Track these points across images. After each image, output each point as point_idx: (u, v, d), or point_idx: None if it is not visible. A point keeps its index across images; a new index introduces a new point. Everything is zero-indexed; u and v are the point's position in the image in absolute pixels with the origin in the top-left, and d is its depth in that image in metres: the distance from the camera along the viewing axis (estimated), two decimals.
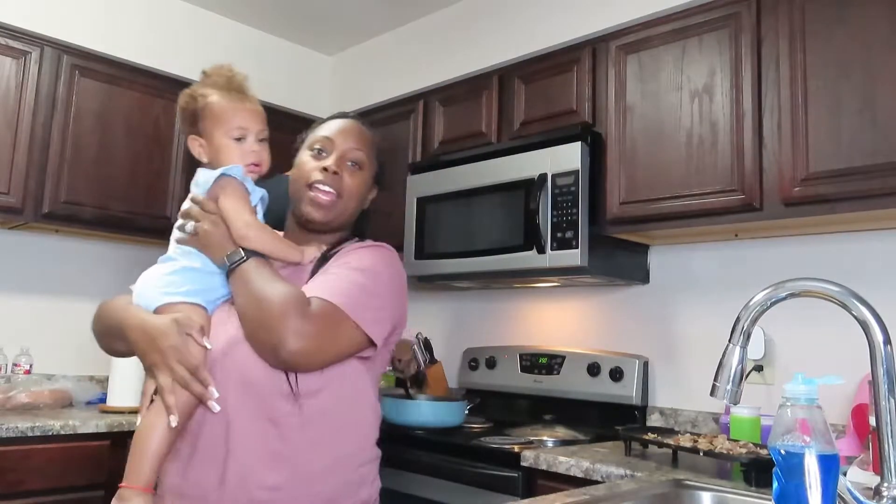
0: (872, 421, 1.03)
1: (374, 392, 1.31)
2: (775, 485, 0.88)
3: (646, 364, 2.38)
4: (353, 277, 1.22)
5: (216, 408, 1.15)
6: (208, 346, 1.17)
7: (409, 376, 2.58)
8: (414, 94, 2.91)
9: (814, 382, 0.89)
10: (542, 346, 2.67)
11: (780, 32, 1.90)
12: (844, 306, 0.99)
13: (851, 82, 1.76)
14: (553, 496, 1.28)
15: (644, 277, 2.45)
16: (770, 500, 0.91)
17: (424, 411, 2.30)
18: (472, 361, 2.83)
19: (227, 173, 1.26)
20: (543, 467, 1.82)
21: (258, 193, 1.31)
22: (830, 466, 0.85)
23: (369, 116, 3.08)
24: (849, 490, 0.94)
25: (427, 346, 2.64)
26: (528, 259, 2.24)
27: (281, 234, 1.38)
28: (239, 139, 1.28)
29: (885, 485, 0.96)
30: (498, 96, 2.59)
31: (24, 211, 2.44)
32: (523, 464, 1.88)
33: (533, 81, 2.49)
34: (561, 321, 2.70)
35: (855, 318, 0.99)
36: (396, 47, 3.08)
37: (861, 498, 0.94)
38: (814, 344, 2.02)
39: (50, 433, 2.12)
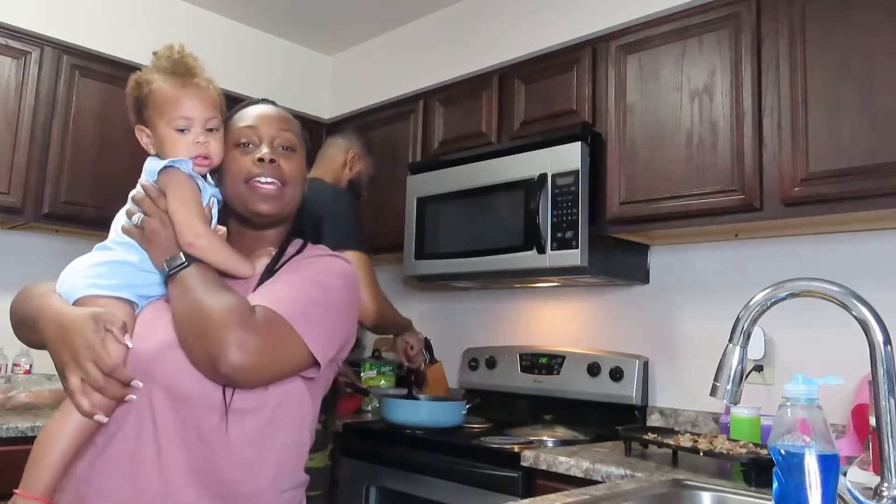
0: (872, 421, 1.03)
1: (314, 414, 1.19)
2: (775, 485, 0.88)
3: (646, 364, 2.38)
4: (306, 289, 1.13)
5: (133, 398, 1.05)
6: (129, 345, 1.07)
7: (414, 371, 2.56)
8: (414, 94, 2.91)
9: (814, 382, 0.89)
10: (542, 346, 2.67)
11: (780, 32, 1.90)
12: (844, 306, 0.99)
13: (851, 82, 1.76)
14: (553, 496, 1.28)
15: (644, 277, 2.45)
16: (770, 500, 0.91)
17: (424, 411, 2.30)
18: (472, 361, 2.83)
19: (173, 165, 1.15)
20: (543, 467, 1.82)
21: (209, 192, 1.20)
22: (830, 466, 0.85)
23: (369, 116, 3.09)
24: (849, 490, 0.94)
25: (427, 346, 2.64)
26: (528, 259, 2.24)
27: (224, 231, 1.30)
28: (182, 130, 1.17)
29: (885, 485, 0.96)
30: (498, 96, 2.59)
31: (24, 211, 2.44)
32: (523, 464, 1.88)
33: (533, 81, 2.49)
34: (561, 321, 2.70)
35: (855, 318, 0.99)
36: (396, 47, 3.08)
37: (861, 498, 0.94)
38: (814, 344, 2.02)
39: None
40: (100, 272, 1.12)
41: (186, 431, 1.05)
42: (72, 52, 2.57)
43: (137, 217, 1.12)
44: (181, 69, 1.19)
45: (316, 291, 1.13)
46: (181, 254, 1.10)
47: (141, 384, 1.04)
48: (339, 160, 2.43)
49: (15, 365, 2.61)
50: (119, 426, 1.06)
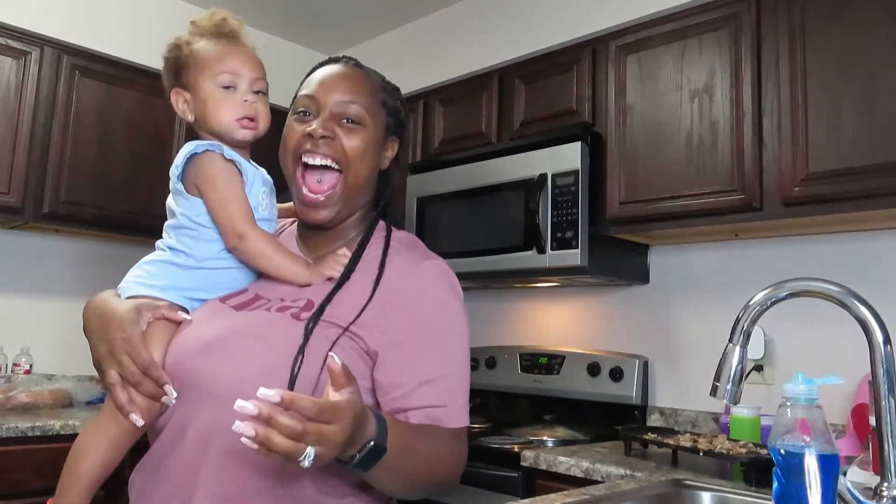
0: (872, 421, 1.03)
1: None
2: (775, 485, 0.88)
3: (646, 364, 2.38)
4: (457, 360, 1.01)
5: (172, 400, 0.95)
6: (187, 317, 1.00)
7: None
8: (414, 94, 2.91)
9: (814, 382, 0.89)
10: (542, 346, 2.67)
11: (780, 32, 1.90)
12: (844, 306, 0.99)
13: (851, 82, 1.76)
14: (553, 496, 1.28)
15: (644, 277, 2.45)
16: (770, 500, 0.91)
17: None
18: (472, 361, 2.83)
19: (210, 149, 1.02)
20: (543, 467, 1.82)
21: (257, 176, 1.07)
22: (830, 466, 0.85)
23: None
24: (849, 490, 0.94)
25: None
26: (528, 259, 2.24)
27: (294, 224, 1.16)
28: (228, 87, 1.05)
29: (885, 485, 0.96)
30: (498, 96, 2.59)
31: (24, 211, 2.44)
32: (523, 464, 1.88)
33: (533, 81, 2.49)
34: (561, 321, 2.70)
35: (855, 318, 0.99)
36: (396, 47, 3.08)
37: (861, 498, 0.94)
38: (814, 344, 2.02)
39: (50, 433, 2.12)
40: (147, 271, 1.05)
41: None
42: (72, 52, 2.57)
43: (308, 456, 0.75)
44: (226, 30, 1.09)
45: (461, 355, 1.04)
46: (367, 443, 0.83)
47: (175, 393, 0.95)
48: None
49: (15, 365, 2.61)
50: (175, 441, 0.96)
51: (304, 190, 1.04)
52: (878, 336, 0.97)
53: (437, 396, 0.98)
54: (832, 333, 1.93)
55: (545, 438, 2.14)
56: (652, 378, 2.39)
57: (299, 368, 0.90)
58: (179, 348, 0.99)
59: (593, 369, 2.43)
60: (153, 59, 2.77)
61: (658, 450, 1.88)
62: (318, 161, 1.03)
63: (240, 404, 0.73)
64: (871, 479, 1.23)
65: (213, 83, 1.04)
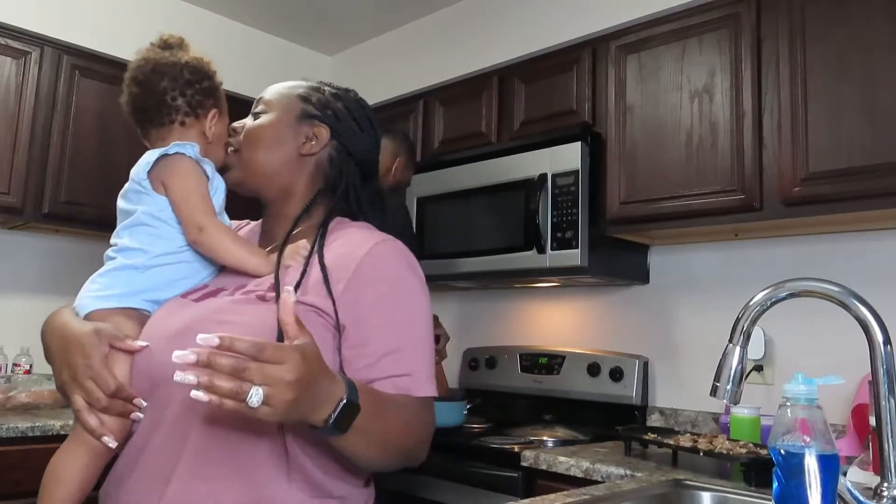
0: (872, 421, 1.03)
1: None
2: (775, 485, 0.88)
3: (646, 364, 2.38)
4: (420, 333, 1.03)
5: (139, 416, 0.97)
6: (143, 344, 0.99)
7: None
8: (414, 94, 2.91)
9: (814, 382, 0.89)
10: (542, 346, 2.67)
11: (780, 32, 1.90)
12: (844, 306, 0.99)
13: (851, 82, 1.76)
14: (553, 496, 1.28)
15: (644, 277, 2.45)
16: (770, 500, 0.91)
17: None
18: (472, 361, 2.83)
19: (180, 151, 1.08)
20: (543, 467, 1.82)
21: (220, 185, 1.14)
22: (830, 466, 0.85)
23: None
24: (849, 490, 0.94)
25: (435, 339, 2.62)
26: (528, 259, 2.24)
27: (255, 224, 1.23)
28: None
29: (885, 485, 0.96)
30: (498, 96, 2.59)
31: (24, 211, 2.44)
32: (523, 464, 1.87)
33: (533, 81, 2.49)
34: (561, 321, 2.70)
35: (855, 318, 0.99)
36: (396, 47, 3.08)
37: (861, 498, 0.94)
38: (814, 344, 2.02)
39: (50, 433, 2.12)
40: (102, 283, 1.06)
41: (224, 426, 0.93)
42: (72, 52, 2.57)
43: (256, 396, 0.76)
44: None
45: (426, 328, 1.05)
46: (339, 402, 0.84)
47: (145, 403, 0.96)
48: (384, 164, 2.24)
49: (15, 365, 2.61)
50: (149, 433, 0.97)
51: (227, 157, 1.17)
52: (878, 336, 0.97)
53: (402, 366, 1.00)
54: (832, 333, 1.93)
55: (545, 438, 2.14)
56: (652, 378, 2.39)
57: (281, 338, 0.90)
58: (152, 344, 1.00)
59: (593, 369, 2.43)
60: None
61: (658, 450, 1.88)
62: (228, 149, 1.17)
63: (177, 354, 0.74)
64: (871, 480, 1.23)
65: (225, 126, 1.17)
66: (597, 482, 1.65)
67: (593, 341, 2.57)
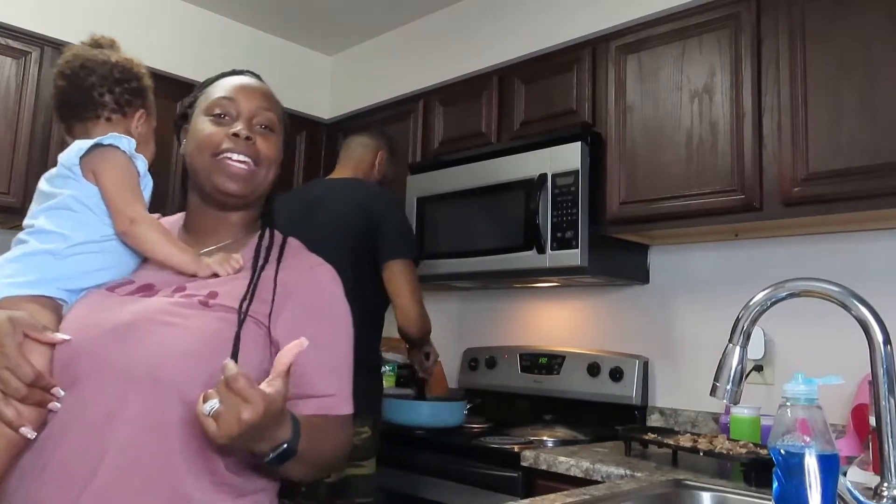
0: (872, 421, 1.03)
1: None
2: (775, 485, 0.88)
3: (646, 364, 2.38)
4: (347, 354, 1.11)
5: (57, 406, 0.94)
6: (66, 338, 0.97)
7: (420, 376, 2.50)
8: (414, 94, 2.91)
9: (814, 382, 0.89)
10: (542, 346, 2.67)
11: (779, 32, 1.90)
12: (844, 306, 0.99)
13: (851, 82, 1.76)
14: (553, 496, 1.28)
15: (644, 277, 2.45)
16: (770, 500, 0.91)
17: (424, 411, 2.30)
18: (472, 361, 2.83)
19: (115, 143, 1.07)
20: (543, 467, 1.82)
21: (149, 181, 1.13)
22: (830, 466, 0.85)
23: (369, 116, 3.09)
24: (849, 490, 0.94)
25: (425, 357, 2.62)
26: (528, 259, 2.24)
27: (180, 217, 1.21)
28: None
29: (885, 485, 0.96)
30: (498, 96, 2.59)
31: (24, 211, 2.40)
32: (523, 464, 1.88)
33: (533, 81, 2.49)
34: (561, 321, 2.70)
35: (855, 318, 0.99)
36: (396, 47, 3.08)
37: (861, 498, 0.94)
38: (814, 344, 2.02)
39: None
40: (14, 269, 1.00)
41: (166, 424, 0.94)
42: None
43: (211, 405, 0.83)
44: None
45: (350, 355, 1.12)
46: (280, 445, 0.90)
47: (63, 392, 0.94)
48: (368, 160, 2.31)
49: None
50: (64, 429, 0.95)
51: (231, 165, 1.10)
52: (878, 336, 0.97)
53: (330, 385, 1.06)
54: (832, 333, 1.93)
55: (545, 438, 2.14)
56: (652, 378, 2.39)
57: (238, 351, 0.98)
58: (79, 337, 0.98)
59: (593, 369, 2.43)
60: (152, 59, 2.77)
61: (658, 450, 1.88)
62: (241, 158, 1.11)
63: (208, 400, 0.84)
64: (871, 480, 1.23)
65: (151, 128, 1.17)
66: (597, 482, 1.65)
67: (593, 341, 2.57)
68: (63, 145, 2.73)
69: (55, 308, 1.01)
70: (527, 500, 1.25)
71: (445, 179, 2.55)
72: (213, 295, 1.03)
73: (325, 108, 3.33)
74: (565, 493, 1.33)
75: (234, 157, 1.10)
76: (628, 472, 1.63)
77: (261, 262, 1.10)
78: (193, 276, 1.07)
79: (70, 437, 0.95)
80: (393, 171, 2.47)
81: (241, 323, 1.00)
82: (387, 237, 2.05)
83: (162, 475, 0.94)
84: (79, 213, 1.05)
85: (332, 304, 1.13)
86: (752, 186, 1.90)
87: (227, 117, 1.13)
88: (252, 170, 1.12)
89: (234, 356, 0.97)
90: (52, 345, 0.97)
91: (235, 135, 1.10)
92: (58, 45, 2.54)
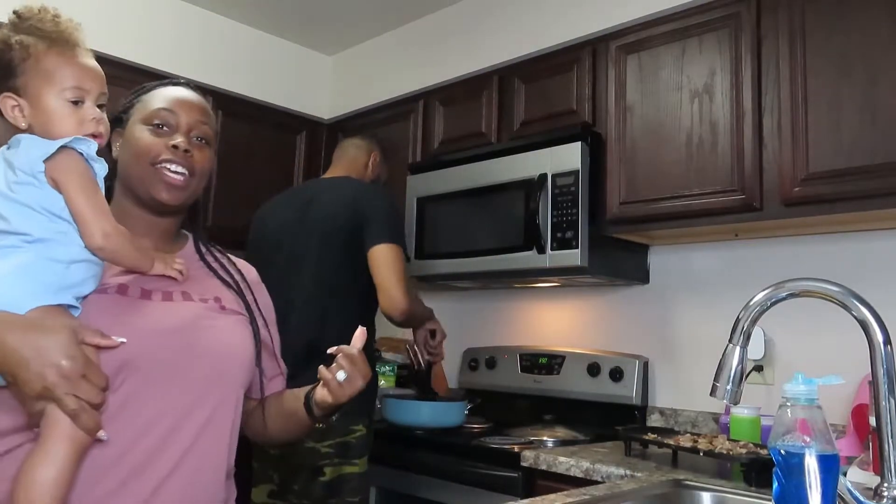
0: (872, 421, 1.03)
1: None
2: (775, 485, 0.88)
3: (646, 364, 2.38)
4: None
5: (105, 437, 0.94)
6: (123, 340, 0.97)
7: (426, 367, 2.45)
8: (414, 94, 2.91)
9: (814, 382, 0.89)
10: (542, 346, 2.67)
11: (780, 32, 1.90)
12: (844, 306, 0.99)
13: (851, 82, 1.76)
14: (553, 496, 1.28)
15: (644, 277, 2.45)
16: (770, 500, 0.91)
17: (426, 411, 2.30)
18: (472, 361, 2.83)
19: (74, 146, 0.98)
20: (543, 467, 1.82)
21: (101, 171, 1.05)
22: (830, 466, 0.85)
23: (369, 116, 3.09)
24: (849, 490, 0.94)
25: (431, 335, 2.62)
26: (528, 259, 2.24)
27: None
28: (76, 102, 1.01)
29: (885, 485, 0.96)
30: (498, 96, 2.59)
31: None
32: (523, 464, 1.88)
33: (533, 81, 2.49)
34: (561, 321, 2.70)
35: (855, 318, 0.99)
36: (396, 47, 3.08)
37: (861, 498, 0.94)
38: (814, 344, 2.02)
39: None
40: (28, 279, 0.95)
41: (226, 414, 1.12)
42: None
43: (342, 374, 1.11)
44: (70, 39, 1.04)
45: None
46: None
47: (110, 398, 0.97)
48: (361, 161, 2.35)
49: None
50: (134, 437, 1.00)
51: (168, 176, 1.15)
52: (878, 336, 0.97)
53: (280, 365, 1.30)
54: (832, 333, 1.93)
55: (545, 438, 2.14)
56: (652, 378, 2.39)
57: (259, 348, 1.19)
58: (133, 340, 1.00)
59: (593, 369, 2.43)
60: (152, 59, 2.79)
61: (658, 450, 1.88)
62: (179, 169, 1.15)
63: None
64: (871, 480, 1.23)
65: (59, 97, 1.00)
66: (597, 482, 1.65)
67: (593, 341, 2.57)
68: None
69: (70, 315, 0.99)
70: (527, 500, 1.25)
71: (445, 179, 2.55)
72: (219, 300, 1.16)
73: (325, 108, 3.33)
74: (565, 493, 1.33)
75: (172, 167, 1.14)
76: (628, 472, 1.63)
77: (220, 266, 1.24)
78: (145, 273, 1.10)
79: (129, 435, 1.00)
80: (386, 173, 2.49)
81: (254, 323, 1.20)
82: (372, 225, 2.04)
83: (214, 469, 1.09)
84: (58, 224, 0.99)
85: (269, 301, 1.33)
86: (752, 186, 1.90)
87: (166, 128, 1.16)
88: (188, 180, 1.16)
89: (258, 353, 1.18)
90: (102, 349, 0.97)
91: (175, 146, 1.15)
92: None
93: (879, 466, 0.97)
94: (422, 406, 2.33)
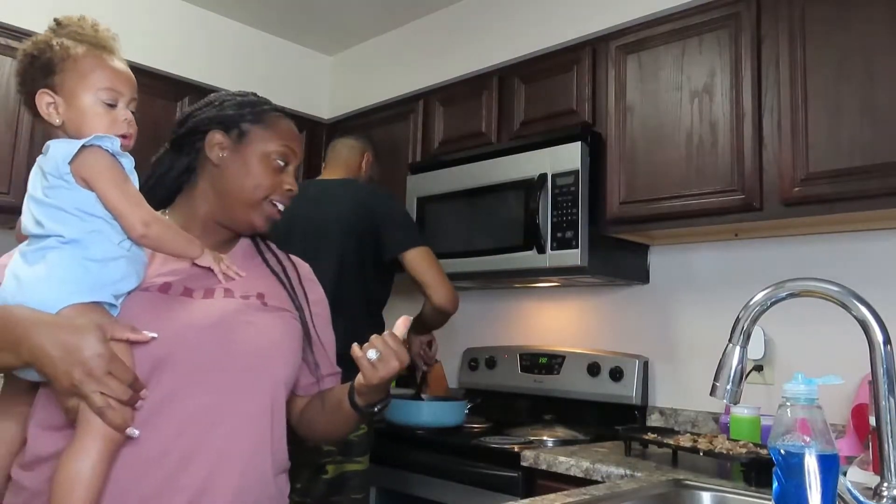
0: (872, 421, 1.03)
1: None
2: (775, 485, 0.88)
3: (646, 364, 2.38)
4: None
5: (141, 405, 0.97)
6: (154, 336, 1.00)
7: (423, 371, 2.49)
8: (414, 94, 2.91)
9: (813, 382, 0.89)
10: (542, 346, 2.67)
11: (780, 32, 1.90)
12: (844, 306, 0.99)
13: (851, 82, 1.76)
14: (553, 496, 1.28)
15: (644, 277, 2.45)
16: (770, 500, 0.91)
17: (424, 411, 2.30)
18: (472, 361, 2.83)
19: (97, 144, 1.01)
20: (543, 467, 1.82)
21: (133, 173, 1.07)
22: (830, 466, 0.85)
23: (369, 116, 3.09)
24: (849, 490, 0.94)
25: (427, 346, 2.62)
26: (528, 259, 2.24)
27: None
28: (111, 104, 1.05)
29: (885, 485, 0.96)
30: (498, 96, 2.59)
31: None
32: (523, 464, 1.88)
33: (533, 81, 2.49)
34: (561, 321, 2.70)
35: (855, 318, 0.99)
36: (396, 47, 3.08)
37: (861, 498, 0.94)
38: (814, 344, 2.02)
39: None
40: (64, 276, 0.97)
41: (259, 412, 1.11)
42: None
43: (373, 353, 1.09)
44: (108, 46, 1.10)
45: None
46: (386, 399, 1.19)
47: (147, 393, 0.98)
48: (355, 161, 2.35)
49: None
50: (175, 436, 1.02)
51: (272, 210, 1.22)
52: (878, 336, 0.97)
53: (334, 364, 1.31)
54: (832, 333, 1.93)
55: (545, 438, 2.14)
56: (652, 378, 2.39)
57: (311, 345, 1.22)
58: (170, 336, 1.03)
59: (593, 369, 2.43)
60: (152, 59, 2.79)
61: (658, 450, 1.88)
62: (281, 208, 1.23)
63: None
64: (871, 479, 1.23)
65: (94, 97, 1.05)
66: (597, 482, 1.65)
67: (593, 341, 2.57)
68: None
69: (106, 312, 1.01)
70: (527, 500, 1.25)
71: (445, 179, 2.55)
72: (262, 296, 1.16)
73: (325, 108, 3.33)
74: (565, 493, 1.33)
75: (279, 206, 1.22)
76: (628, 472, 1.63)
77: (276, 267, 1.24)
78: (198, 263, 1.13)
79: (171, 430, 1.01)
80: (378, 173, 2.50)
81: (303, 320, 1.22)
82: (395, 231, 2.09)
83: (260, 465, 1.09)
84: (92, 223, 1.01)
85: (323, 298, 1.34)
86: (752, 186, 1.90)
87: (286, 165, 1.23)
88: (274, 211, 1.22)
89: (311, 347, 1.21)
90: (134, 344, 1.00)
91: (289, 189, 1.22)
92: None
93: (879, 466, 0.98)
94: (422, 406, 2.33)
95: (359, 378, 1.12)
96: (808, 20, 1.85)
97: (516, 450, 1.93)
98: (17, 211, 2.63)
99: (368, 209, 2.09)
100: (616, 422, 2.20)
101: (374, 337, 1.09)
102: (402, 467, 2.17)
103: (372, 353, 1.08)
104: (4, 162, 2.39)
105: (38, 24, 2.62)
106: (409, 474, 2.15)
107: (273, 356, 1.13)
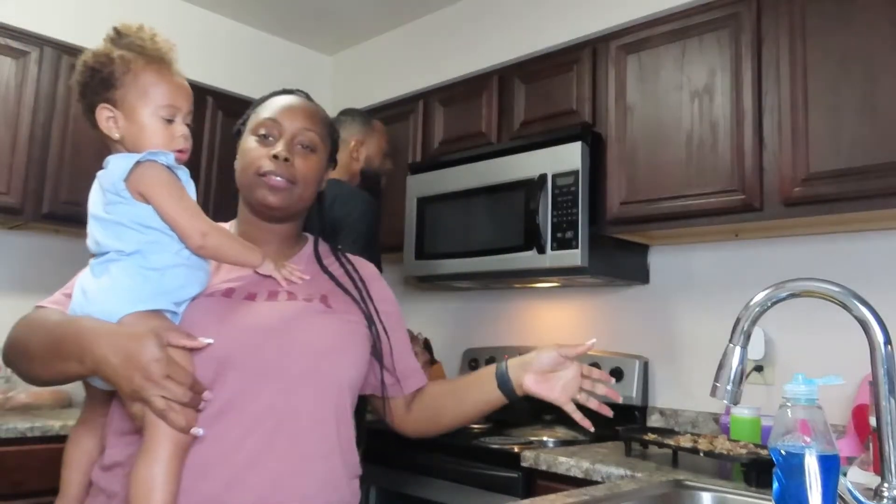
0: (873, 421, 1.03)
1: None
2: (775, 485, 0.88)
3: (646, 364, 2.38)
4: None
5: (204, 407, 0.99)
6: (210, 341, 1.01)
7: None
8: (414, 94, 2.91)
9: (814, 383, 0.89)
10: (542, 346, 2.66)
11: (780, 32, 1.90)
12: (844, 306, 0.99)
13: (851, 82, 1.76)
14: (553, 496, 1.28)
15: (644, 277, 2.45)
16: (770, 500, 0.91)
17: None
18: (472, 361, 2.83)
19: (152, 158, 1.03)
20: (543, 467, 1.82)
21: (190, 184, 1.09)
22: (831, 467, 0.85)
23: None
24: (849, 490, 0.94)
25: (427, 346, 2.63)
26: (528, 259, 2.24)
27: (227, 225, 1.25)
28: (169, 120, 1.07)
29: (886, 485, 0.96)
30: (498, 96, 2.59)
31: (24, 211, 2.43)
32: (523, 464, 1.87)
33: (533, 81, 2.49)
34: (561, 321, 2.70)
35: (855, 318, 0.98)
36: (396, 47, 3.08)
37: (861, 498, 0.94)
38: (814, 344, 2.02)
39: (50, 433, 2.12)
40: (127, 285, 1.01)
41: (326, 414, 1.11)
42: (72, 52, 2.56)
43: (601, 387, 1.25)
44: (167, 58, 1.12)
45: None
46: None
47: (211, 395, 1.00)
48: (344, 156, 2.28)
49: None
50: (243, 435, 1.03)
51: (271, 180, 1.18)
52: (879, 336, 0.96)
53: (412, 361, 1.34)
54: (832, 334, 1.93)
55: (545, 439, 2.14)
56: (652, 378, 2.39)
57: (380, 346, 1.23)
58: (226, 339, 1.04)
59: None
60: None
61: (658, 450, 1.88)
62: (277, 181, 1.18)
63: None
64: (872, 480, 1.23)
65: (154, 113, 1.06)
66: (597, 482, 1.65)
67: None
68: (63, 145, 2.73)
69: (167, 320, 1.03)
70: (527, 501, 1.25)
71: (445, 179, 2.55)
72: (325, 299, 1.17)
73: (325, 108, 3.30)
74: (565, 493, 1.33)
75: (273, 179, 1.17)
76: (628, 472, 1.63)
77: (338, 271, 1.25)
78: (259, 272, 1.14)
79: (239, 430, 1.03)
80: (379, 147, 2.45)
81: (371, 323, 1.21)
82: (344, 242, 1.98)
83: (327, 467, 1.09)
84: (149, 235, 1.03)
85: (391, 296, 1.35)
86: (752, 186, 1.90)
87: (270, 138, 1.20)
88: (289, 185, 1.18)
89: (380, 351, 1.22)
90: (193, 350, 1.01)
91: (275, 156, 1.17)
92: (57, 46, 2.54)
93: (880, 467, 0.97)
94: None
95: (538, 387, 1.41)
96: (808, 20, 1.85)
97: (516, 450, 1.93)
98: (16, 211, 2.65)
99: (331, 212, 2.01)
100: (616, 422, 2.20)
101: (580, 366, 1.38)
102: (401, 467, 2.17)
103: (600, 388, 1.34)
104: (4, 162, 2.39)
105: (39, 24, 2.62)
106: (409, 474, 2.15)
107: (335, 358, 1.13)
